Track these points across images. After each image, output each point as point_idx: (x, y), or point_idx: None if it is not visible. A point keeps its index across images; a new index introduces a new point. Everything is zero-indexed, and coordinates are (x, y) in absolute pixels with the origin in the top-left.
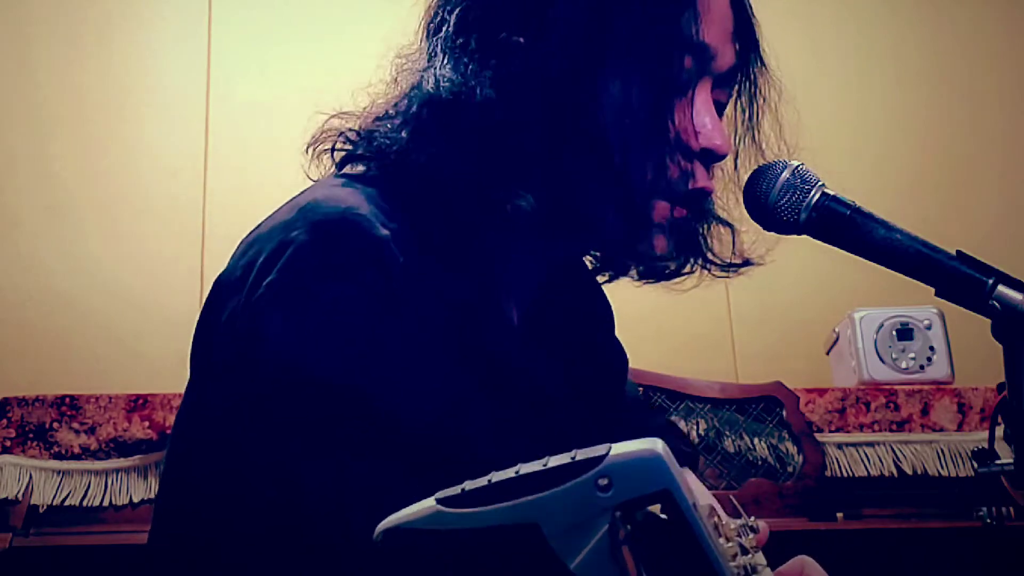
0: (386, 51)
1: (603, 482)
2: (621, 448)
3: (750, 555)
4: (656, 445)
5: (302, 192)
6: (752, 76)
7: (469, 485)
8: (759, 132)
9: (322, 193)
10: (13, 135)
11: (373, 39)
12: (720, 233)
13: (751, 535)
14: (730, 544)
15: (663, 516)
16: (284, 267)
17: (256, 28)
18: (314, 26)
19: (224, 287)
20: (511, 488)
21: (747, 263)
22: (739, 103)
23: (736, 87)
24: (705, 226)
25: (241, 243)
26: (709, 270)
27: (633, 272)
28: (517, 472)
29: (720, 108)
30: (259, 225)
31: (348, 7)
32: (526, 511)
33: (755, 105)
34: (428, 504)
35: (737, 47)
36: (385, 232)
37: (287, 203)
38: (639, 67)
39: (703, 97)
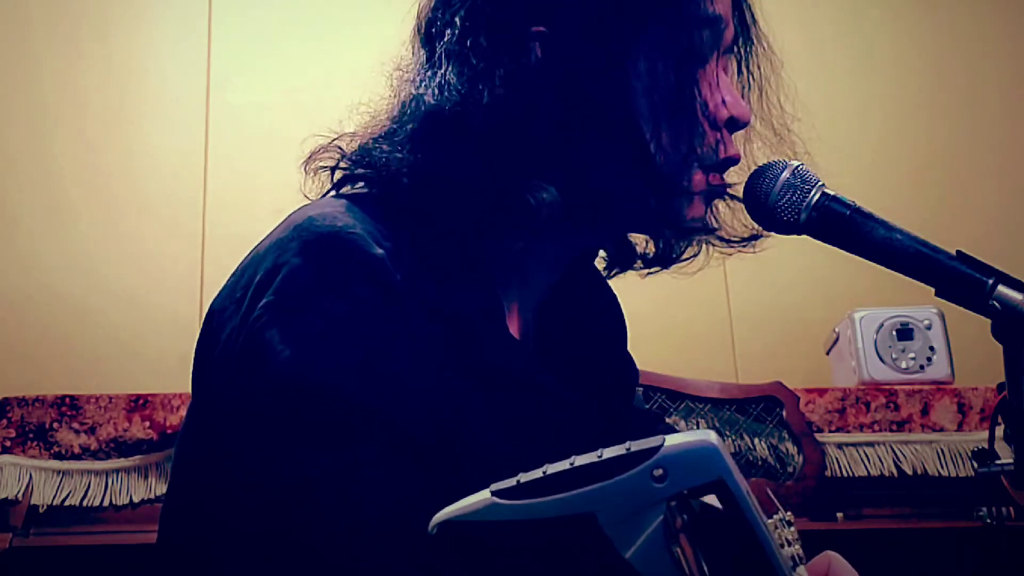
0: (385, 53)
1: (658, 472)
2: (675, 439)
3: (793, 547)
4: (710, 436)
5: (298, 209)
6: (751, 51)
7: (524, 477)
8: (765, 105)
9: (317, 211)
10: (13, 135)
11: (373, 40)
12: (727, 207)
13: (789, 528)
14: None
15: (718, 506)
16: (279, 288)
17: (256, 28)
18: (314, 27)
19: (222, 309)
20: (566, 479)
21: (755, 237)
22: (740, 78)
23: (737, 63)
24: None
25: (239, 264)
26: (716, 245)
27: (638, 263)
28: (572, 464)
29: None
30: (257, 245)
31: (348, 7)
32: (582, 502)
33: (756, 79)
34: (483, 496)
35: (736, 22)
36: (380, 251)
37: (283, 221)
38: (663, 42)
39: (721, 68)
